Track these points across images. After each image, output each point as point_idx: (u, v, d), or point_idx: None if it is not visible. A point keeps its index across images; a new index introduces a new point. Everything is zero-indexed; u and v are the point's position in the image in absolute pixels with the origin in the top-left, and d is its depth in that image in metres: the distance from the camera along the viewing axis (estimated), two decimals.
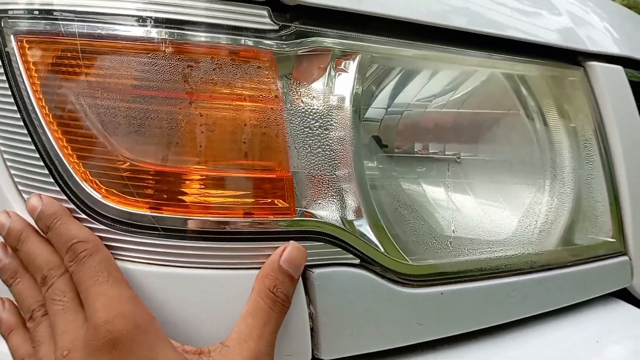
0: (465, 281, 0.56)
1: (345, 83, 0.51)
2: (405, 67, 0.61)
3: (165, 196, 0.45)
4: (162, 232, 0.45)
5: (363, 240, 0.51)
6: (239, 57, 0.46)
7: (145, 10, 0.45)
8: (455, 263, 0.56)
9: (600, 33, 0.79)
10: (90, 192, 0.45)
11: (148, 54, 0.45)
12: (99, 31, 0.45)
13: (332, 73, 0.51)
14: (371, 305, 0.50)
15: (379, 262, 0.51)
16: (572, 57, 0.72)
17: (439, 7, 0.59)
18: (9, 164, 0.48)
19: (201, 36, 0.45)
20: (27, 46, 0.48)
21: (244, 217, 0.46)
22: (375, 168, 0.64)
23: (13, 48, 0.49)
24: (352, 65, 0.52)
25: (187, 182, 0.45)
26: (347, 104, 0.51)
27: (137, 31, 0.45)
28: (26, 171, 0.48)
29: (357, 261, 0.50)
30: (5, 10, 0.49)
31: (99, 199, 0.45)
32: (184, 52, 0.45)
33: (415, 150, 0.69)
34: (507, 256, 0.60)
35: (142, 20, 0.45)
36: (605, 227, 0.72)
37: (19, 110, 0.48)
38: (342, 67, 0.52)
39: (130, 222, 0.45)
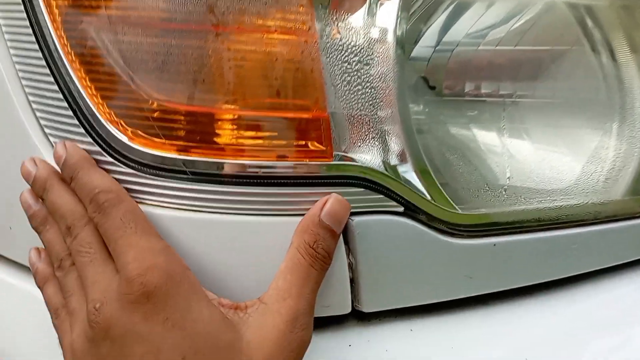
0: (521, 232, 0.51)
1: (388, 14, 0.46)
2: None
3: (192, 137, 0.42)
4: (190, 176, 0.42)
5: (408, 187, 0.46)
6: None
7: None
8: (509, 213, 0.51)
9: None
10: (116, 134, 0.43)
11: None
12: None
13: (374, 2, 0.46)
14: (416, 256, 0.47)
15: (425, 211, 0.47)
16: None
17: None
18: (34, 106, 0.46)
19: None
20: None
21: (277, 160, 0.43)
22: (421, 111, 0.59)
23: None
24: None
25: (215, 122, 0.42)
26: (390, 37, 0.46)
27: None
28: (51, 113, 0.45)
29: (401, 209, 0.46)
30: None
31: (125, 142, 0.43)
32: None
33: (467, 91, 0.63)
34: (568, 206, 0.55)
35: None
36: None
37: (40, 49, 0.45)
38: None
39: (157, 165, 0.42)
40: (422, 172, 0.47)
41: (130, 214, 0.40)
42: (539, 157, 0.57)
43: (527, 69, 0.63)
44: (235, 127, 0.42)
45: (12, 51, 0.47)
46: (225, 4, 0.41)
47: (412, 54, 0.61)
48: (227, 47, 0.41)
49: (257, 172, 0.42)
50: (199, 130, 0.42)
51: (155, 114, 0.42)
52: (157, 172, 0.42)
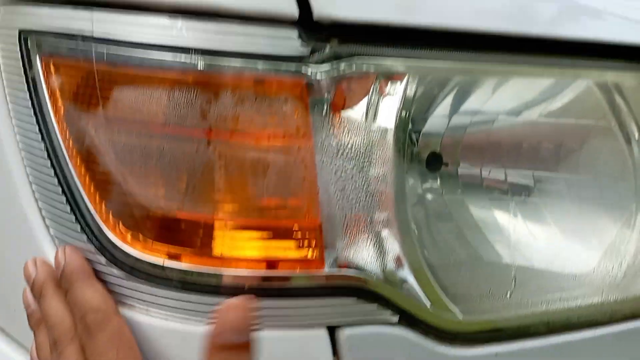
0: (527, 338, 0.48)
1: (389, 110, 0.44)
2: (466, 82, 0.52)
3: (181, 244, 0.41)
4: (178, 284, 0.42)
5: (404, 294, 0.45)
6: (263, 88, 0.41)
7: (159, 36, 0.40)
8: (515, 317, 0.49)
9: None
10: (109, 236, 0.43)
11: (162, 86, 0.40)
12: (116, 57, 0.42)
13: (375, 98, 0.44)
14: None
15: (422, 319, 0.45)
16: None
17: (512, 10, 0.49)
18: (39, 202, 0.47)
19: (218, 65, 0.40)
20: (51, 69, 0.46)
21: (266, 271, 0.42)
22: (427, 194, 0.57)
23: (38, 70, 0.46)
24: (399, 88, 0.44)
25: (204, 230, 0.41)
26: (391, 136, 0.44)
27: (152, 60, 0.40)
28: (53, 207, 0.46)
29: (396, 318, 0.44)
30: (32, 30, 0.47)
31: (118, 244, 0.43)
32: (199, 83, 0.40)
33: (481, 171, 0.61)
34: (580, 306, 0.52)
35: (155, 48, 0.40)
36: None
37: (43, 141, 0.46)
38: (386, 91, 0.45)
39: (146, 270, 0.42)
40: (420, 277, 0.45)
41: (115, 339, 0.40)
42: (551, 252, 0.54)
43: (547, 150, 0.60)
44: (223, 235, 0.41)
45: (20, 145, 0.47)
46: (218, 110, 0.40)
47: (425, 129, 0.59)
48: (219, 154, 0.40)
49: (242, 283, 0.41)
50: (187, 237, 0.41)
51: (146, 219, 0.42)
52: (147, 277, 0.42)
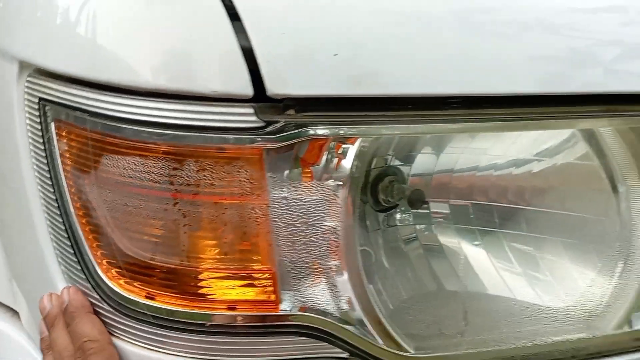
0: None
1: (342, 170, 0.49)
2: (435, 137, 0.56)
3: (155, 288, 0.49)
4: (152, 320, 0.49)
5: (355, 333, 0.50)
6: (222, 157, 0.47)
7: (138, 114, 0.47)
8: (467, 354, 0.52)
9: None
10: (103, 277, 0.51)
11: (138, 154, 0.48)
12: (106, 129, 0.49)
13: (328, 160, 0.49)
14: None
15: (372, 355, 0.50)
16: None
17: (471, 76, 0.51)
18: (53, 243, 0.56)
19: (184, 138, 0.47)
20: (62, 133, 0.54)
21: (227, 312, 0.48)
22: (385, 236, 0.61)
23: (52, 133, 0.55)
24: (351, 151, 0.49)
25: (171, 276, 0.49)
26: (342, 193, 0.49)
27: (129, 132, 0.48)
28: (63, 248, 0.55)
29: (346, 355, 0.49)
30: (49, 100, 0.56)
31: (109, 284, 0.51)
32: (168, 153, 0.47)
33: (454, 209, 0.64)
34: (540, 344, 0.54)
35: (135, 124, 0.48)
36: None
37: (55, 193, 0.55)
38: (340, 152, 0.49)
39: (129, 307, 0.50)
40: (372, 318, 0.50)
41: None
42: (517, 291, 0.57)
43: (530, 194, 0.62)
44: (187, 281, 0.48)
45: (40, 194, 0.57)
46: (183, 175, 0.47)
47: (413, 171, 0.64)
48: (183, 213, 0.47)
49: (206, 321, 0.48)
50: (160, 281, 0.49)
51: (128, 265, 0.50)
52: (129, 313, 0.50)
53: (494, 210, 0.64)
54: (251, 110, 0.46)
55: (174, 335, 0.49)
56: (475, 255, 0.63)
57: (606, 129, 0.58)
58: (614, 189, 0.60)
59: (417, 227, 0.65)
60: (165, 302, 0.49)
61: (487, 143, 0.63)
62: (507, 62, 0.49)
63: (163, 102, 0.47)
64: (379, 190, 0.62)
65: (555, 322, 0.56)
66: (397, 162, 0.64)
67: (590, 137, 0.59)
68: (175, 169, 0.47)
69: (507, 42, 0.50)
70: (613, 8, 0.56)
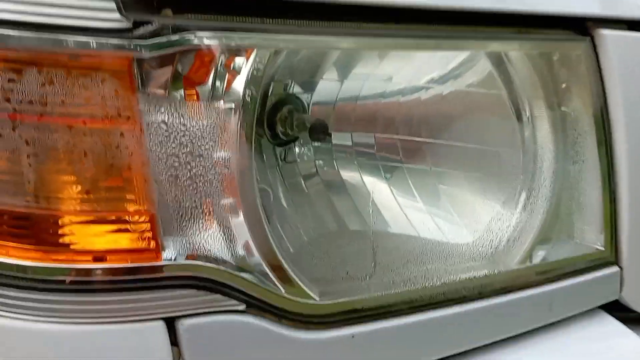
0: (387, 317, 0.48)
1: (235, 89, 0.41)
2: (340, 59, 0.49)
3: (1, 239, 0.38)
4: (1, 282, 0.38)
5: (253, 281, 0.43)
6: (76, 66, 0.36)
7: None
8: (375, 297, 0.48)
9: None
10: None
11: None
12: None
13: (219, 76, 0.40)
14: (260, 356, 0.43)
15: (273, 305, 0.43)
16: (578, 25, 0.57)
17: None
18: None
19: (23, 40, 0.35)
20: None
21: (93, 264, 0.39)
22: (286, 170, 0.55)
23: None
24: (245, 67, 0.40)
25: (20, 222, 0.38)
26: (235, 118, 0.41)
27: None
28: None
29: (243, 307, 0.42)
30: None
31: None
32: (3, 60, 0.35)
33: (362, 141, 0.59)
34: (447, 282, 0.51)
35: None
36: (591, 235, 0.60)
37: None
38: (231, 67, 0.41)
39: None
40: (272, 263, 0.43)
41: None
42: (422, 228, 0.53)
43: (435, 122, 0.58)
44: (42, 227, 0.38)
45: None
46: (23, 89, 0.36)
47: (314, 99, 0.57)
48: (26, 140, 0.36)
49: (68, 275, 0.38)
50: (5, 229, 0.38)
51: None
52: None
53: (398, 143, 0.60)
54: (112, 5, 0.36)
55: (26, 296, 0.38)
56: (379, 191, 0.59)
57: (515, 53, 0.54)
58: (519, 118, 0.58)
59: (318, 162, 0.59)
60: (15, 256, 0.38)
61: (393, 68, 0.58)
62: None
63: None
64: (277, 122, 0.55)
65: (462, 259, 0.53)
66: (297, 90, 0.57)
67: (499, 63, 0.56)
68: (11, 80, 0.35)
69: None
70: None
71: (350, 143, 0.58)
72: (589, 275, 0.60)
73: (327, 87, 0.57)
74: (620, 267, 0.62)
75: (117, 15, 0.36)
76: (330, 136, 0.57)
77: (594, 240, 0.60)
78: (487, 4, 0.50)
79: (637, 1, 0.58)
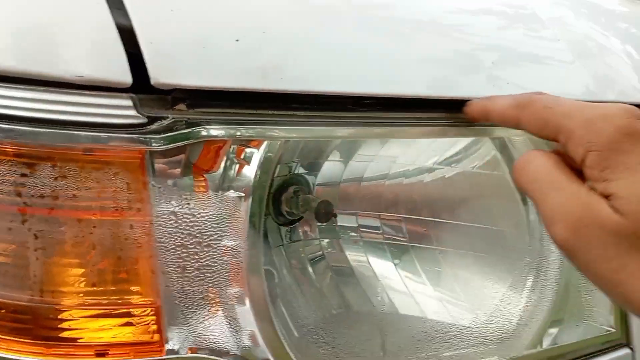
0: None
1: (244, 178, 0.41)
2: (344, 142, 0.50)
3: (6, 333, 0.37)
4: None
5: None
6: (90, 161, 0.36)
7: None
8: None
9: None
10: None
11: None
12: None
13: (227, 167, 0.41)
14: None
15: None
16: None
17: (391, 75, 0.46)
18: None
19: (37, 135, 0.36)
20: None
21: (95, 359, 0.38)
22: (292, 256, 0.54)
23: None
24: (256, 156, 0.41)
25: (21, 317, 0.37)
26: (245, 206, 0.41)
27: None
28: None
29: None
30: None
31: None
32: (15, 155, 0.36)
33: (367, 224, 0.59)
34: None
35: None
36: (601, 316, 0.59)
37: None
38: (242, 158, 0.41)
39: None
40: (277, 353, 0.42)
41: None
42: (430, 311, 0.52)
43: (440, 206, 0.58)
44: (45, 321, 0.37)
45: None
46: (35, 183, 0.36)
47: (319, 179, 0.57)
48: (35, 234, 0.36)
49: None
50: (4, 324, 0.37)
51: None
52: None
53: (403, 223, 0.60)
54: (129, 103, 0.37)
55: None
56: (386, 272, 0.58)
57: (519, 137, 0.55)
58: (524, 200, 0.58)
59: (323, 242, 0.59)
60: (13, 351, 0.37)
61: (397, 150, 0.59)
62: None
63: (10, 88, 0.35)
64: (282, 201, 0.55)
65: (471, 343, 0.52)
66: (302, 170, 0.57)
67: (503, 146, 0.57)
68: (24, 175, 0.36)
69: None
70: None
71: (355, 225, 0.58)
72: (601, 358, 0.58)
73: (332, 167, 0.58)
74: (632, 349, 0.60)
75: (133, 112, 0.37)
76: (336, 217, 0.57)
77: (604, 321, 0.59)
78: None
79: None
